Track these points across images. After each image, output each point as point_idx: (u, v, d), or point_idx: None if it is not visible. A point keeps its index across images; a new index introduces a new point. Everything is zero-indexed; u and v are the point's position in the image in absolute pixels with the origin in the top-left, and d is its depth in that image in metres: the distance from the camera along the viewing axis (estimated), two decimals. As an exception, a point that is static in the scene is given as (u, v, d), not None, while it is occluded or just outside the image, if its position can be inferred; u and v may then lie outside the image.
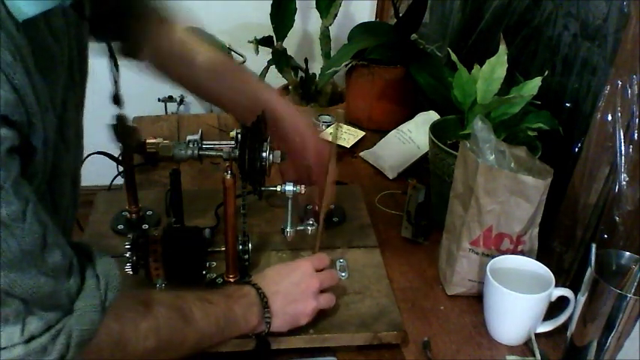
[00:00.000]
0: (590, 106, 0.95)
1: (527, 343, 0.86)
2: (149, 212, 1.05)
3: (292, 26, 1.72)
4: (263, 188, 0.85)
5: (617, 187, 0.85)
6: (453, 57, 1.02)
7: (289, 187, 0.86)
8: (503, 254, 0.87)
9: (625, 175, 0.84)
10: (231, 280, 0.89)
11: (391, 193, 1.19)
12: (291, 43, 1.88)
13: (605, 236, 0.87)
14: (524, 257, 0.87)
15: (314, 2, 1.68)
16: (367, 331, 0.83)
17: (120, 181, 1.08)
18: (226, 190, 0.83)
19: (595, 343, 0.77)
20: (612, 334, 0.75)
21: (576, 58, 1.00)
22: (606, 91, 0.85)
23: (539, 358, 0.81)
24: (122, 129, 0.90)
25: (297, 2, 1.69)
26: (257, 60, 1.77)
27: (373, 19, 1.98)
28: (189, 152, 0.86)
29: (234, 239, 0.87)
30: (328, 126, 1.42)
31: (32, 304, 0.53)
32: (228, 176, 0.82)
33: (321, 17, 1.70)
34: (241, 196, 0.88)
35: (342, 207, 1.09)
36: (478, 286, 0.90)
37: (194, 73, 0.89)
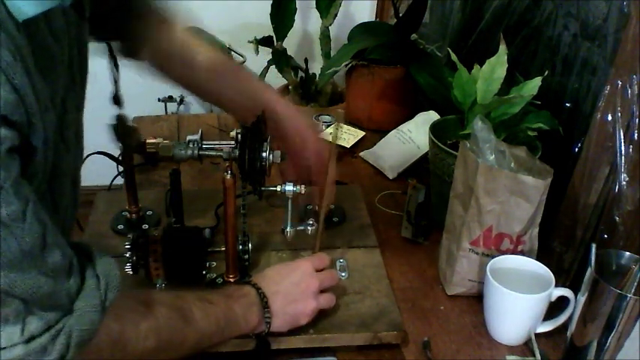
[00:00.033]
0: (590, 106, 0.95)
1: (527, 343, 0.86)
2: (149, 212, 1.05)
3: (292, 26, 1.72)
4: (263, 188, 0.85)
5: (617, 187, 0.85)
6: (453, 57, 1.02)
7: (289, 187, 0.86)
8: (503, 254, 0.87)
9: (625, 175, 0.84)
10: (231, 280, 0.89)
11: (391, 193, 1.19)
12: (291, 43, 1.88)
13: (605, 236, 0.87)
14: (524, 257, 0.87)
15: (314, 2, 1.68)
16: (367, 331, 0.83)
17: (120, 181, 1.08)
18: (226, 190, 0.83)
19: (595, 343, 0.77)
20: (612, 334, 0.75)
21: (576, 58, 1.00)
22: (606, 91, 0.85)
23: (539, 358, 0.81)
24: (122, 129, 0.90)
25: (297, 2, 1.69)
26: (257, 60, 1.77)
27: (373, 19, 1.98)
28: (189, 152, 0.86)
29: (234, 239, 0.87)
30: (328, 126, 1.42)
31: (32, 304, 0.53)
32: (228, 176, 0.82)
33: (321, 17, 1.70)
34: (241, 196, 0.88)
35: (342, 207, 1.09)
36: (478, 286, 0.90)
37: (194, 73, 0.90)
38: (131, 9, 0.85)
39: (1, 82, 0.46)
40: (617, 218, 0.85)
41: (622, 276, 0.78)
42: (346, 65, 1.41)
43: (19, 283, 0.51)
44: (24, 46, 0.50)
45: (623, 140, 0.84)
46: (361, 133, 1.40)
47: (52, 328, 0.55)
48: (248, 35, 1.75)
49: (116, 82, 0.85)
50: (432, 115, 1.29)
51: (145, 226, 1.02)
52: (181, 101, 2.18)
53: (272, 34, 1.72)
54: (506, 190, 0.83)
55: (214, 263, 0.92)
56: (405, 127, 1.33)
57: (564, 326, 0.83)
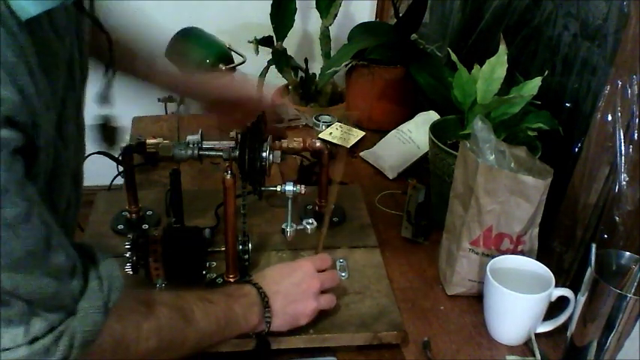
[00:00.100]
0: (590, 106, 0.94)
1: (527, 343, 0.86)
2: (149, 212, 1.05)
3: (292, 26, 1.72)
4: (263, 188, 0.85)
5: (617, 187, 0.85)
6: (453, 57, 1.02)
7: (289, 187, 0.86)
8: (503, 254, 0.87)
9: (625, 175, 0.84)
10: (231, 280, 0.89)
11: (391, 193, 1.19)
12: (291, 43, 1.88)
13: (605, 236, 0.87)
14: (524, 257, 0.87)
15: (314, 2, 1.68)
16: (367, 331, 0.83)
17: (120, 181, 1.08)
18: (226, 190, 0.83)
19: (595, 343, 0.77)
20: (612, 334, 0.75)
21: (576, 58, 1.00)
22: (606, 91, 0.85)
23: (539, 358, 0.81)
24: (105, 129, 0.89)
25: (297, 2, 1.68)
26: (257, 60, 1.76)
27: (373, 19, 1.98)
28: (189, 152, 0.86)
29: (234, 239, 0.87)
30: (328, 126, 1.41)
31: (36, 306, 0.53)
32: (228, 176, 0.82)
33: (321, 17, 1.70)
34: (241, 196, 0.88)
35: (342, 207, 1.09)
36: (478, 286, 0.90)
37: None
38: None
39: (5, 82, 0.46)
40: (617, 218, 0.85)
41: (622, 276, 0.78)
42: (346, 65, 1.41)
43: (23, 284, 0.51)
44: (27, 45, 0.49)
45: (623, 140, 0.84)
46: (361, 133, 1.40)
47: (56, 329, 0.55)
48: (248, 35, 1.74)
49: (109, 80, 0.84)
50: (432, 115, 1.29)
51: (145, 226, 1.02)
52: (181, 101, 2.18)
53: (272, 34, 1.71)
54: (506, 190, 0.83)
55: (214, 263, 0.92)
56: (405, 127, 1.33)
57: (564, 326, 0.83)
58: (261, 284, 0.79)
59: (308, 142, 1.00)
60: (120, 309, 0.60)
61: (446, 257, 0.94)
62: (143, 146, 0.95)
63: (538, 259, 0.87)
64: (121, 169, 1.04)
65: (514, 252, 0.88)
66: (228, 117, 1.00)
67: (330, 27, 1.72)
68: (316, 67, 1.71)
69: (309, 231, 0.90)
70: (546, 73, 0.97)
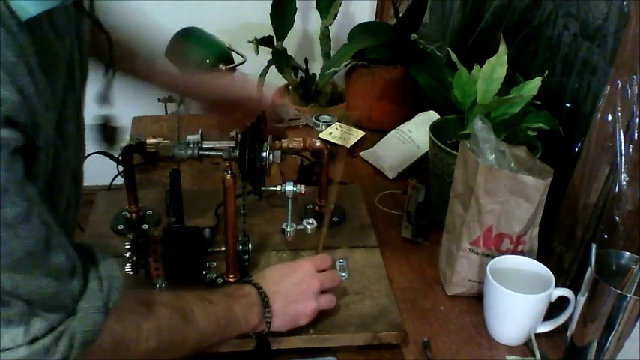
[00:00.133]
0: (590, 106, 0.94)
1: (527, 343, 0.86)
2: (149, 212, 1.05)
3: (292, 26, 1.72)
4: (263, 188, 0.85)
5: (617, 187, 0.85)
6: (453, 57, 1.02)
7: (289, 187, 0.86)
8: (503, 254, 0.87)
9: (625, 175, 0.84)
10: (231, 280, 0.89)
11: (391, 193, 1.19)
12: (291, 43, 1.88)
13: (605, 236, 0.87)
14: (524, 257, 0.87)
15: (314, 2, 1.68)
16: (367, 331, 0.83)
17: (120, 181, 1.08)
18: (226, 190, 0.83)
19: (595, 343, 0.77)
20: (612, 334, 0.75)
21: (576, 58, 1.00)
22: (606, 91, 0.85)
23: (539, 358, 0.81)
24: (106, 130, 0.89)
25: (297, 2, 1.68)
26: (257, 60, 1.76)
27: (373, 19, 1.98)
28: (189, 152, 0.86)
29: (234, 239, 0.87)
30: (328, 126, 1.41)
31: (36, 306, 0.53)
32: (228, 176, 0.82)
33: (321, 17, 1.70)
34: (241, 196, 0.88)
35: (342, 207, 1.09)
36: (478, 286, 0.90)
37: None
38: None
39: (5, 82, 0.46)
40: (617, 218, 0.85)
41: (622, 276, 0.78)
42: (346, 65, 1.41)
43: (23, 284, 0.51)
44: (27, 45, 0.49)
45: (623, 140, 0.84)
46: (361, 133, 1.40)
47: (56, 329, 0.55)
48: (248, 35, 1.74)
49: (108, 80, 0.83)
50: (432, 115, 1.29)
51: (145, 226, 1.02)
52: (181, 101, 2.18)
53: (272, 34, 1.71)
54: (506, 190, 0.83)
55: (214, 263, 0.92)
56: (405, 127, 1.33)
57: (564, 326, 0.83)
58: (261, 284, 0.79)
59: (308, 142, 1.00)
60: (120, 309, 0.60)
61: (446, 257, 0.94)
62: (143, 146, 0.95)
63: (538, 259, 0.87)
64: (121, 169, 1.04)
65: (514, 252, 0.88)
66: (228, 117, 1.00)
67: (330, 27, 1.72)
68: (316, 67, 1.71)
69: (309, 231, 0.90)
70: (546, 73, 0.97)
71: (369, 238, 1.03)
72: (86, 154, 0.75)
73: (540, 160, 0.87)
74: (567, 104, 1.02)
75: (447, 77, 1.06)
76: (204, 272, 0.90)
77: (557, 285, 0.82)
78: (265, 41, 1.72)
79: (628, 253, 0.79)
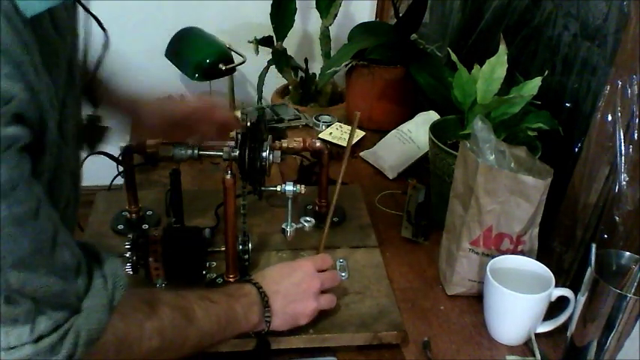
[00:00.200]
0: (590, 106, 0.95)
1: (527, 343, 0.86)
2: (149, 212, 1.05)
3: (292, 26, 1.72)
4: (263, 188, 0.86)
5: (617, 187, 0.85)
6: (453, 57, 1.02)
7: (289, 187, 0.86)
8: (503, 254, 0.87)
9: (625, 175, 0.84)
10: (231, 280, 0.89)
11: (391, 193, 1.19)
12: (291, 43, 1.88)
13: (605, 236, 0.87)
14: (524, 257, 0.87)
15: (314, 2, 1.68)
16: (367, 331, 0.83)
17: (120, 181, 1.08)
18: (226, 190, 0.83)
19: (595, 343, 0.77)
20: (612, 334, 0.75)
21: (576, 58, 1.00)
22: (606, 91, 0.85)
23: (539, 358, 0.81)
24: (92, 130, 0.88)
25: (297, 2, 1.69)
26: (257, 60, 1.77)
27: (373, 19, 1.98)
28: (189, 152, 0.86)
29: (234, 239, 0.87)
30: (328, 126, 1.42)
31: (42, 304, 0.53)
32: (228, 176, 0.82)
33: (321, 17, 1.70)
34: (241, 196, 0.88)
35: (342, 207, 1.09)
36: (478, 286, 0.90)
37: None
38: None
39: (15, 79, 0.46)
40: (617, 218, 0.85)
41: (622, 276, 0.78)
42: (346, 65, 1.41)
43: (29, 282, 0.51)
44: (31, 42, 0.49)
45: (623, 140, 0.84)
46: (361, 133, 1.40)
47: (61, 327, 0.55)
48: (248, 35, 1.75)
49: (92, 80, 0.82)
50: (432, 115, 1.29)
51: (145, 226, 1.02)
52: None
53: (272, 34, 1.72)
54: (506, 190, 0.83)
55: (214, 263, 0.92)
56: (405, 127, 1.33)
57: (564, 326, 0.83)
58: (261, 284, 0.79)
59: (308, 142, 1.00)
60: (123, 308, 0.61)
61: (446, 257, 0.94)
62: (143, 146, 0.95)
63: (538, 259, 0.87)
64: (121, 169, 1.04)
65: (514, 252, 0.88)
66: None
67: (330, 27, 1.72)
68: (316, 67, 1.71)
69: (306, 228, 0.90)
70: (546, 73, 0.97)
71: (369, 238, 1.03)
72: (86, 154, 0.75)
73: (540, 160, 0.87)
74: (567, 104, 1.02)
75: (447, 77, 1.06)
76: (204, 272, 0.90)
77: (557, 285, 0.82)
78: (265, 41, 1.72)
79: (628, 253, 0.79)
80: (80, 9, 0.69)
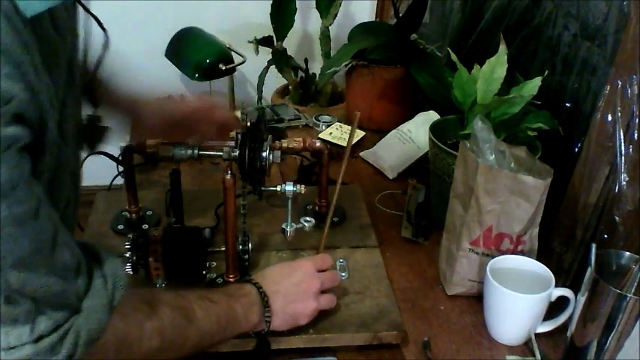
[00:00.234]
0: (590, 106, 0.95)
1: (527, 343, 0.86)
2: (149, 212, 1.05)
3: (292, 26, 1.72)
4: (263, 188, 0.86)
5: (617, 187, 0.85)
6: (453, 57, 1.02)
7: (289, 187, 0.86)
8: (503, 254, 0.87)
9: (625, 175, 0.84)
10: (231, 280, 0.89)
11: (391, 193, 1.19)
12: (291, 43, 1.88)
13: (605, 236, 0.87)
14: (524, 257, 0.87)
15: (314, 2, 1.68)
16: (367, 331, 0.83)
17: (120, 181, 1.08)
18: (226, 190, 0.83)
19: (595, 343, 0.77)
20: (612, 334, 0.75)
21: (576, 58, 1.00)
22: (606, 91, 0.85)
23: (539, 358, 0.81)
24: (92, 130, 0.88)
25: (297, 2, 1.69)
26: (257, 60, 1.77)
27: (373, 19, 1.98)
28: (189, 152, 0.86)
29: (234, 239, 0.87)
30: (328, 126, 1.42)
31: (42, 304, 0.53)
32: (228, 176, 0.82)
33: (321, 17, 1.70)
34: (241, 196, 0.88)
35: (342, 207, 1.09)
36: (478, 286, 0.90)
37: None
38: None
39: (15, 79, 0.46)
40: (617, 218, 0.85)
41: (622, 276, 0.78)
42: (346, 65, 1.41)
43: (29, 282, 0.51)
44: (31, 42, 0.49)
45: (623, 140, 0.84)
46: (361, 133, 1.40)
47: (61, 327, 0.55)
48: (248, 35, 1.75)
49: (92, 80, 0.82)
50: (432, 115, 1.29)
51: (145, 226, 1.02)
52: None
53: (272, 34, 1.72)
54: (506, 190, 0.83)
55: (214, 263, 0.92)
56: (405, 127, 1.33)
57: (564, 326, 0.83)
58: (261, 284, 0.79)
59: (308, 142, 1.00)
60: (123, 308, 0.61)
61: (446, 257, 0.94)
62: (143, 146, 0.95)
63: (538, 259, 0.87)
64: (121, 169, 1.04)
65: (514, 252, 0.88)
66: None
67: (330, 27, 1.72)
68: (316, 67, 1.71)
69: (306, 228, 0.90)
70: (546, 73, 0.97)
71: (369, 238, 1.03)
72: (86, 154, 0.75)
73: (540, 160, 0.87)
74: (567, 104, 1.02)
75: (447, 77, 1.06)
76: (204, 272, 0.90)
77: (557, 285, 0.82)
78: (265, 41, 1.72)
79: (628, 253, 0.79)
80: (80, 9, 0.69)
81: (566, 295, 0.82)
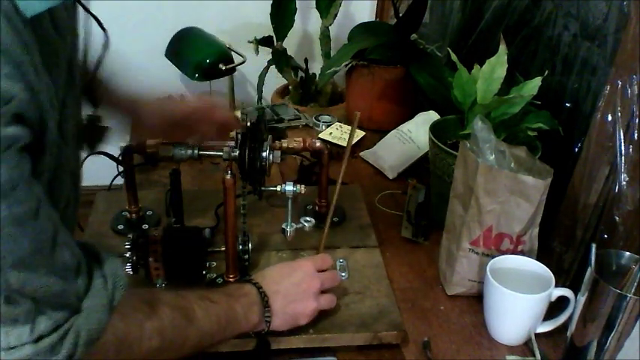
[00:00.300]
0: (590, 106, 0.95)
1: (527, 343, 0.86)
2: (149, 212, 1.05)
3: (292, 26, 1.72)
4: (263, 188, 0.86)
5: (617, 187, 0.85)
6: (453, 57, 1.02)
7: (289, 187, 0.86)
8: (503, 254, 0.87)
9: (625, 175, 0.84)
10: (231, 280, 0.89)
11: (391, 193, 1.19)
12: (291, 43, 1.88)
13: (605, 236, 0.87)
14: (524, 257, 0.87)
15: (314, 2, 1.68)
16: (367, 331, 0.83)
17: (120, 181, 1.08)
18: (226, 190, 0.83)
19: (595, 343, 0.77)
20: (612, 334, 0.75)
21: (576, 58, 1.00)
22: (606, 91, 0.85)
23: (539, 358, 0.81)
24: (92, 130, 0.88)
25: (297, 2, 1.69)
26: (257, 60, 1.77)
27: (373, 19, 1.98)
28: (189, 152, 0.86)
29: (234, 239, 0.87)
30: (328, 126, 1.42)
31: (42, 304, 0.53)
32: (228, 176, 0.82)
33: (321, 17, 1.70)
34: (241, 196, 0.88)
35: (342, 207, 1.09)
36: (478, 286, 0.90)
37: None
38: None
39: (15, 79, 0.46)
40: (617, 218, 0.85)
41: (622, 276, 0.78)
42: (346, 65, 1.41)
43: (29, 282, 0.51)
44: (31, 42, 0.49)
45: (623, 140, 0.84)
46: (361, 133, 1.40)
47: (61, 327, 0.55)
48: (248, 35, 1.75)
49: (92, 80, 0.82)
50: (432, 115, 1.29)
51: (145, 226, 1.02)
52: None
53: (272, 34, 1.72)
54: (506, 190, 0.83)
55: (214, 263, 0.92)
56: (405, 127, 1.33)
57: (564, 326, 0.83)
58: (261, 284, 0.79)
59: (308, 142, 1.00)
60: (123, 308, 0.61)
61: (446, 257, 0.94)
62: (143, 146, 0.95)
63: (538, 259, 0.87)
64: (121, 169, 1.04)
65: (514, 252, 0.88)
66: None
67: (330, 27, 1.72)
68: (316, 67, 1.71)
69: (306, 228, 0.90)
70: (546, 73, 0.97)
71: (369, 238, 1.03)
72: (86, 154, 0.75)
73: (540, 160, 0.87)
74: (567, 104, 1.02)
75: (447, 77, 1.06)
76: (204, 272, 0.90)
77: (557, 285, 0.82)
78: (265, 41, 1.72)
79: (628, 253, 0.79)
80: (80, 9, 0.69)
81: (566, 295, 0.82)
